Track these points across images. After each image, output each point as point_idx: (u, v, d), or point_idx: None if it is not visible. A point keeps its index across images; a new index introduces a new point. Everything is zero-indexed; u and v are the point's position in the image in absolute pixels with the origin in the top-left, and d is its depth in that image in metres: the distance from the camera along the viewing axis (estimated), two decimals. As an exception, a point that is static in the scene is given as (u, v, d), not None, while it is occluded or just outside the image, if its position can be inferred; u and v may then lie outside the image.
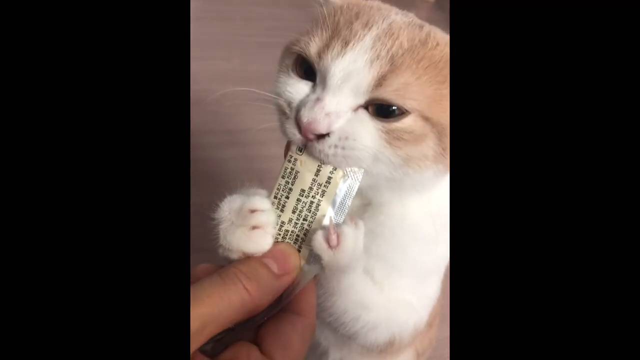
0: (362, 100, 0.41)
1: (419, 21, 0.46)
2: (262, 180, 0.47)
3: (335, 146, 0.41)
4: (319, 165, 0.42)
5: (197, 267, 0.41)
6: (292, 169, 0.43)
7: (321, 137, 0.41)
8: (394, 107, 0.41)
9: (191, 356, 0.34)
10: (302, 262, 0.43)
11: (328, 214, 0.43)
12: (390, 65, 0.41)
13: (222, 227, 0.42)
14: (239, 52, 1.69)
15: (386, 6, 0.48)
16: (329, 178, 0.42)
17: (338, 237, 0.41)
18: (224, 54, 1.69)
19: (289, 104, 0.44)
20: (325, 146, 0.41)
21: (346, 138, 0.41)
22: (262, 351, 0.38)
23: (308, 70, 0.44)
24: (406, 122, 0.41)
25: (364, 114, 0.42)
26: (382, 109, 0.41)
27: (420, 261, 0.52)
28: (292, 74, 0.45)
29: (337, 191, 0.43)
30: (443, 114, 0.42)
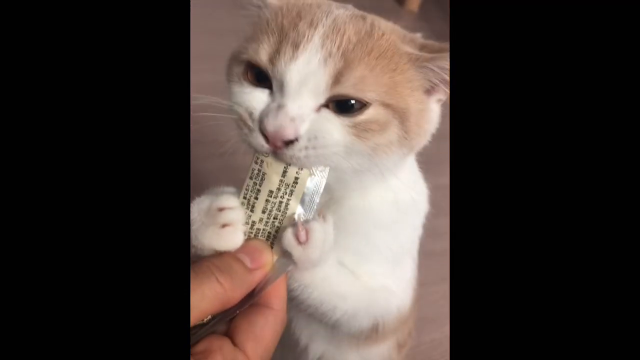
0: (322, 99, 0.42)
1: (359, 12, 0.47)
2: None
3: (306, 148, 0.42)
4: (285, 167, 0.43)
5: None
6: (259, 170, 0.44)
7: (289, 143, 0.42)
8: (352, 102, 0.42)
9: None
10: (275, 258, 0.44)
11: (297, 212, 0.44)
12: (344, 61, 0.41)
13: (193, 228, 0.43)
14: (223, 64, 1.70)
15: (325, 1, 0.48)
16: (296, 178, 0.44)
17: (307, 232, 0.42)
18: (207, 65, 1.69)
19: (251, 114, 0.44)
20: (295, 151, 0.42)
21: (315, 137, 0.42)
22: (234, 343, 0.39)
23: (259, 75, 0.44)
24: (370, 113, 0.43)
25: (326, 113, 0.43)
26: (341, 105, 0.42)
27: (386, 247, 0.54)
28: (244, 83, 0.45)
29: (305, 190, 0.44)
30: (401, 99, 0.44)
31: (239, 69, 0.46)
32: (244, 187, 0.45)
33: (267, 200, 0.44)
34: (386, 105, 0.43)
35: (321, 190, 0.44)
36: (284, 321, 0.43)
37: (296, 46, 0.42)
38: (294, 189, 0.44)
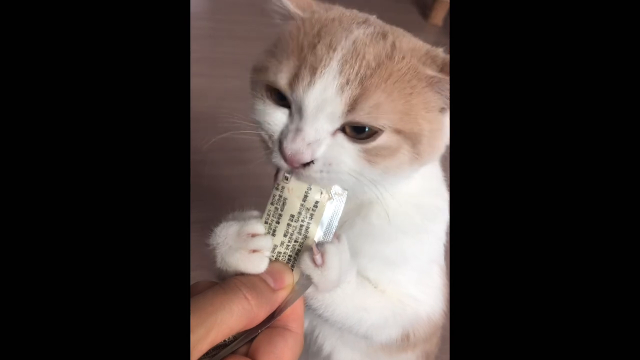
0: (337, 124, 0.43)
1: (380, 27, 0.46)
2: (267, 197, 0.49)
3: (321, 171, 0.44)
4: (305, 192, 0.45)
5: (198, 282, 0.43)
6: (280, 196, 0.46)
7: (306, 164, 0.43)
8: (367, 128, 0.43)
9: None
10: (295, 280, 0.45)
11: (316, 235, 0.45)
12: (361, 88, 0.41)
13: (220, 251, 0.44)
14: (248, 71, 1.72)
15: (348, 16, 0.48)
16: (316, 202, 0.45)
17: (322, 255, 0.43)
18: (234, 72, 1.71)
19: (270, 136, 0.45)
20: (311, 172, 0.44)
21: (330, 164, 0.43)
22: None
23: (280, 95, 0.45)
24: (382, 140, 0.44)
25: (342, 138, 0.44)
26: (357, 129, 0.43)
27: (411, 252, 0.54)
28: (267, 101, 0.46)
29: (325, 213, 0.45)
30: (414, 123, 0.44)
31: (261, 87, 0.46)
32: (265, 212, 0.46)
33: (288, 224, 0.46)
34: (398, 132, 0.43)
35: (340, 214, 0.46)
36: (301, 343, 0.43)
37: (314, 71, 0.42)
38: (314, 212, 0.45)
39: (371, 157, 0.44)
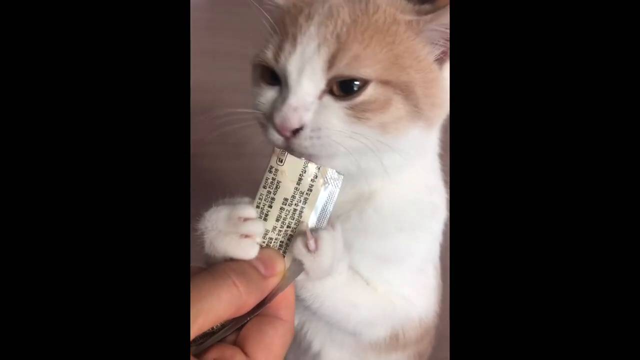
0: (322, 84, 0.44)
1: None
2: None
3: (311, 137, 0.43)
4: (300, 175, 0.44)
5: None
6: (273, 179, 0.44)
7: (296, 132, 0.43)
8: (355, 82, 0.43)
9: None
10: (287, 267, 0.44)
11: (309, 221, 0.44)
12: (337, 43, 0.43)
13: (208, 235, 0.43)
14: (248, 64, 1.71)
15: None
16: (311, 186, 0.44)
17: (316, 241, 0.42)
18: (233, 64, 1.71)
19: (265, 113, 0.46)
20: (302, 140, 0.43)
21: (319, 129, 0.43)
22: (244, 353, 0.39)
23: (273, 75, 0.47)
24: (367, 93, 0.43)
25: (328, 100, 0.44)
26: (345, 87, 0.43)
27: (406, 250, 0.53)
28: (262, 85, 0.48)
29: (319, 198, 0.44)
30: (402, 72, 0.44)
31: (257, 73, 0.49)
32: (257, 196, 0.45)
33: (281, 209, 0.44)
34: (385, 83, 0.43)
35: (335, 199, 0.45)
36: (292, 332, 0.43)
37: (294, 39, 0.44)
38: (308, 196, 0.44)
39: (359, 113, 0.43)
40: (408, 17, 0.45)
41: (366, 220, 0.51)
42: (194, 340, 0.36)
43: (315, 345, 0.63)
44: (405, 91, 0.44)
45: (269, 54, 0.45)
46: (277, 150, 0.44)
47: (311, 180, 0.44)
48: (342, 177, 0.44)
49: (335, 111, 0.43)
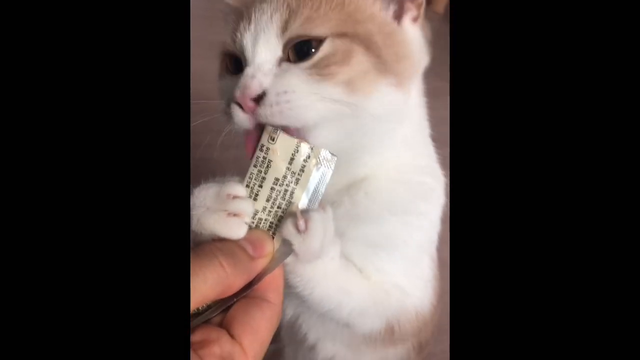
0: (278, 50, 0.44)
1: None
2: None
3: (277, 103, 0.42)
4: (292, 155, 0.42)
5: None
6: (264, 158, 0.43)
7: (259, 100, 0.42)
8: (311, 46, 0.43)
9: None
10: (276, 248, 0.43)
11: (300, 202, 0.43)
12: (288, 10, 0.44)
13: (196, 212, 0.42)
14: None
15: None
16: (303, 166, 0.42)
17: (306, 222, 0.41)
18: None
19: (228, 100, 0.45)
20: (267, 107, 0.42)
21: (284, 92, 0.42)
22: (230, 335, 0.38)
23: (237, 63, 0.47)
24: (325, 49, 0.43)
25: (287, 65, 0.44)
26: (301, 51, 0.43)
27: (399, 236, 0.52)
28: (225, 75, 0.49)
29: (311, 179, 0.43)
30: (358, 25, 0.44)
31: (223, 65, 0.50)
32: (247, 175, 0.44)
33: (272, 189, 0.43)
34: (341, 35, 0.43)
35: (327, 181, 0.43)
36: (279, 315, 0.42)
37: (249, 17, 0.45)
38: (300, 177, 0.43)
39: (322, 70, 0.43)
40: None
41: (357, 205, 0.50)
42: None
43: (311, 338, 0.62)
44: (365, 42, 0.44)
45: (228, 39, 0.47)
46: (269, 128, 0.43)
47: (303, 160, 0.42)
48: (336, 158, 0.43)
49: (297, 73, 0.43)
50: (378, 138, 0.48)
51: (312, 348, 0.63)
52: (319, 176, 0.43)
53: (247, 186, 0.44)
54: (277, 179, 0.43)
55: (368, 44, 0.44)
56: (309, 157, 0.42)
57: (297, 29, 0.43)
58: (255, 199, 0.43)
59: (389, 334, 0.55)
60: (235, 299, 0.39)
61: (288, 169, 0.43)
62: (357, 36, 0.44)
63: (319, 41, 0.43)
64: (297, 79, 0.43)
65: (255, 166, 0.43)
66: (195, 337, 0.37)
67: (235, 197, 0.42)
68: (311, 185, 0.43)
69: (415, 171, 0.51)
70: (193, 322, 0.38)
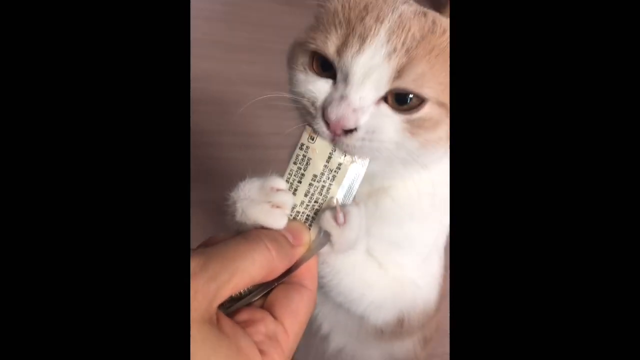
0: (383, 92, 0.44)
1: (421, 8, 0.48)
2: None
3: (363, 139, 0.44)
4: (330, 154, 0.46)
5: (212, 236, 0.44)
6: (304, 156, 0.47)
7: (349, 131, 0.44)
8: (410, 96, 0.44)
9: (214, 315, 0.36)
10: (312, 239, 0.46)
11: (337, 196, 0.47)
12: (407, 57, 0.43)
13: (241, 204, 0.45)
14: (262, 57, 1.72)
15: None
16: (339, 164, 0.46)
17: (345, 215, 0.44)
18: (248, 57, 1.72)
19: (313, 103, 0.46)
20: (353, 140, 0.44)
21: (373, 132, 0.44)
22: (273, 317, 0.41)
23: (324, 65, 0.46)
24: (425, 111, 0.44)
25: (385, 108, 0.45)
26: (399, 98, 0.44)
27: (418, 237, 0.56)
28: (309, 72, 0.47)
29: (346, 176, 0.46)
30: (447, 96, 0.45)
31: (304, 59, 0.48)
32: (287, 171, 0.47)
33: (310, 184, 0.47)
34: (440, 104, 0.44)
35: (360, 179, 0.47)
36: (315, 300, 0.44)
37: (363, 40, 0.43)
38: (336, 174, 0.46)
39: (414, 128, 0.44)
40: None
41: (383, 208, 0.53)
42: (222, 304, 0.37)
43: (325, 328, 0.66)
44: (449, 114, 0.45)
45: (331, 47, 0.45)
46: (309, 128, 0.46)
47: (340, 158, 0.46)
48: (369, 159, 0.47)
49: (394, 121, 0.44)
50: (415, 172, 0.50)
51: (325, 338, 0.67)
52: (354, 174, 0.47)
53: (287, 181, 0.47)
54: (315, 176, 0.47)
55: (449, 115, 0.45)
56: (344, 155, 0.46)
57: (409, 83, 0.43)
58: (294, 193, 0.47)
59: (399, 327, 0.59)
60: (275, 284, 0.42)
61: (325, 166, 0.46)
62: (445, 107, 0.45)
63: (422, 100, 0.44)
64: (391, 126, 0.44)
65: (295, 163, 0.47)
66: (241, 317, 0.40)
67: (278, 190, 0.46)
68: (346, 182, 0.47)
69: (439, 185, 0.54)
70: (237, 305, 0.41)
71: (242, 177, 0.48)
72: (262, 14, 2.00)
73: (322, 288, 0.52)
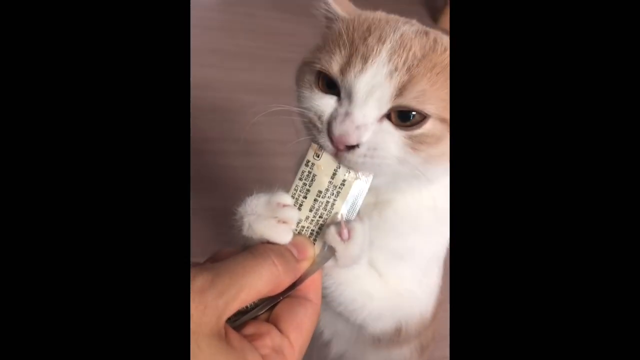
0: (385, 109, 0.45)
1: (422, 27, 0.51)
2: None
3: (365, 156, 0.46)
4: (334, 170, 0.48)
5: (220, 250, 0.45)
6: (309, 172, 0.48)
7: (351, 147, 0.45)
8: (413, 112, 0.45)
9: (223, 329, 0.36)
10: (316, 253, 0.47)
11: (341, 212, 0.48)
12: (408, 75, 0.45)
13: (247, 219, 0.46)
14: (261, 65, 1.73)
15: (393, 17, 0.52)
16: (344, 181, 0.48)
17: (349, 231, 0.46)
18: (247, 65, 1.73)
19: (319, 117, 0.48)
20: (355, 156, 0.46)
21: (375, 149, 0.45)
22: (278, 330, 0.41)
23: (329, 84, 0.48)
24: (427, 127, 0.46)
25: (387, 125, 0.46)
26: (402, 115, 0.46)
27: (419, 250, 0.57)
28: (315, 89, 0.49)
29: (350, 192, 0.48)
30: (448, 112, 0.46)
31: (310, 77, 0.50)
32: (293, 187, 0.48)
33: (315, 200, 0.48)
34: (443, 120, 0.46)
35: (364, 195, 0.48)
36: (319, 313, 0.45)
37: (365, 60, 0.45)
38: (340, 190, 0.48)
39: (416, 144, 0.46)
40: None
41: (386, 220, 0.54)
42: (229, 318, 0.38)
43: (326, 334, 0.67)
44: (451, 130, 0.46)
45: (335, 67, 0.47)
46: (315, 145, 0.48)
47: (344, 175, 0.48)
48: (372, 175, 0.48)
49: (395, 138, 0.46)
50: (419, 186, 0.52)
51: (327, 344, 0.68)
52: (357, 190, 0.48)
53: (292, 197, 0.48)
54: (320, 192, 0.48)
55: (450, 131, 0.46)
56: (349, 172, 0.48)
57: (411, 100, 0.45)
58: (299, 209, 0.48)
59: (396, 335, 0.60)
60: (281, 298, 0.43)
61: (330, 182, 0.48)
62: (447, 123, 0.46)
63: (424, 116, 0.45)
64: (393, 143, 0.46)
65: (300, 179, 0.48)
66: (248, 331, 0.40)
67: (284, 205, 0.47)
68: (350, 198, 0.48)
69: (441, 199, 0.55)
70: (243, 318, 0.42)
71: (242, 185, 0.49)
72: (262, 21, 2.01)
73: (324, 298, 0.53)
